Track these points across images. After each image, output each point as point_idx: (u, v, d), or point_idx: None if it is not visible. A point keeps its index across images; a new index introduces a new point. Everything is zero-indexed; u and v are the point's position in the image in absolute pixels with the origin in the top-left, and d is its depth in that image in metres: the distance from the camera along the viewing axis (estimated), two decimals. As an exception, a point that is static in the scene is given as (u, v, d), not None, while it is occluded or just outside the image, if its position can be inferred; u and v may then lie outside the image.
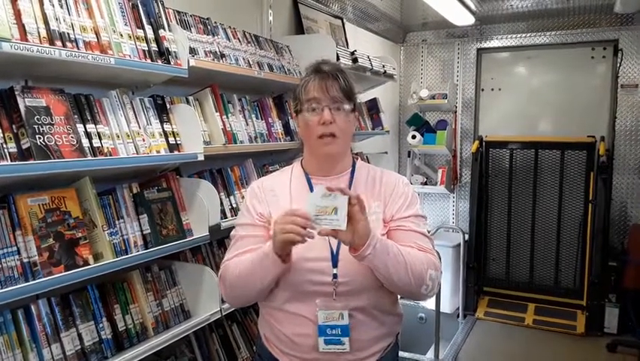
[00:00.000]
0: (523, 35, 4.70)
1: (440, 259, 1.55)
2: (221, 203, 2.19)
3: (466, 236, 4.58)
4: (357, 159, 1.57)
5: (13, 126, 1.46)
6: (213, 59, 2.18)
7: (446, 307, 4.40)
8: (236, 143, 2.29)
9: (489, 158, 4.76)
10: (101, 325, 1.69)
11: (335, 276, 1.37)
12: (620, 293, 4.05)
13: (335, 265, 1.37)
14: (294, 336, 1.41)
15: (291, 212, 1.29)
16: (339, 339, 1.37)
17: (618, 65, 4.33)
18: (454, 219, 5.12)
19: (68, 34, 1.56)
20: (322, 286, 1.37)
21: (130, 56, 1.75)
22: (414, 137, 4.73)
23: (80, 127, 1.62)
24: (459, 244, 4.51)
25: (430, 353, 3.80)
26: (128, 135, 1.79)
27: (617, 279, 4.05)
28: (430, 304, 4.24)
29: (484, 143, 4.68)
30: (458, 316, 4.49)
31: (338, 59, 2.89)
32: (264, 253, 1.34)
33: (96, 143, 1.66)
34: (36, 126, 1.47)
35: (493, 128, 4.93)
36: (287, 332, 1.42)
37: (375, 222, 1.40)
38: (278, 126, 2.65)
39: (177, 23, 2.03)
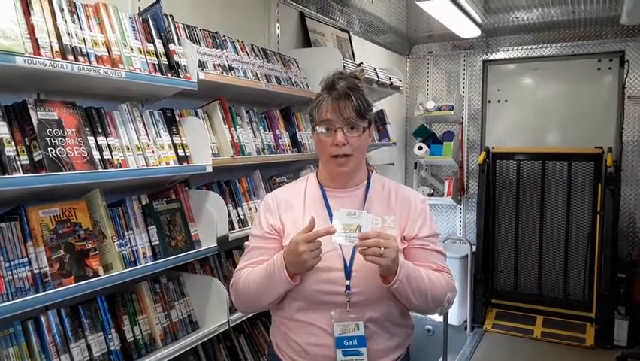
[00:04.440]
0: (530, 47, 4.72)
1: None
2: (229, 214, 2.20)
3: (474, 248, 4.56)
4: (372, 171, 1.58)
5: (26, 139, 1.48)
6: (222, 72, 2.21)
7: (454, 319, 4.37)
8: (244, 155, 2.31)
9: (496, 169, 4.75)
10: (109, 336, 1.70)
11: (348, 287, 1.38)
12: (630, 305, 4.00)
13: (348, 277, 1.38)
14: (308, 346, 1.42)
15: (314, 235, 1.30)
16: (357, 350, 1.38)
17: (625, 76, 4.33)
18: (461, 231, 5.10)
19: (80, 48, 1.59)
20: (335, 296, 1.38)
21: (140, 69, 1.78)
22: (420, 148, 4.74)
23: (91, 139, 1.64)
24: (466, 256, 4.49)
25: (438, 366, 3.77)
26: (138, 147, 1.81)
27: (627, 291, 4.02)
28: (437, 316, 4.22)
29: (490, 154, 4.67)
30: (466, 328, 4.46)
31: (344, 71, 2.91)
32: (277, 268, 1.36)
33: (107, 155, 1.68)
34: (48, 139, 1.49)
35: (500, 139, 4.93)
36: (300, 341, 1.43)
37: None
38: (285, 138, 2.67)
39: (187, 37, 2.06)
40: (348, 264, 1.39)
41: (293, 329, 1.45)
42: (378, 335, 1.42)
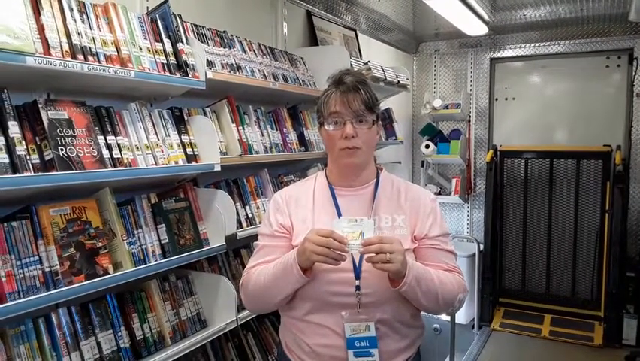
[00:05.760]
0: (537, 45, 4.69)
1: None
2: (237, 213, 2.21)
3: (481, 246, 4.55)
4: (381, 169, 1.57)
5: (37, 138, 1.49)
6: (230, 71, 2.21)
7: (461, 318, 4.37)
8: (251, 153, 2.32)
9: (503, 167, 4.74)
10: (119, 334, 1.71)
11: (358, 288, 1.37)
12: (639, 304, 3.98)
13: (358, 277, 1.38)
14: (317, 347, 1.42)
15: (327, 233, 1.29)
16: (369, 351, 1.37)
17: (634, 73, 4.30)
18: (469, 229, 5.09)
19: (90, 48, 1.60)
20: (345, 297, 1.38)
21: (149, 69, 1.79)
22: (427, 146, 4.73)
23: (101, 139, 1.65)
24: (474, 254, 4.48)
25: (446, 365, 3.77)
26: (147, 146, 1.82)
27: (636, 290, 3.99)
28: (444, 315, 4.22)
29: (498, 152, 4.66)
30: (473, 327, 4.45)
31: (351, 68, 2.91)
32: (289, 264, 1.35)
33: (116, 154, 1.69)
34: (58, 138, 1.51)
35: (508, 137, 4.91)
36: (310, 342, 1.43)
37: (401, 238, 1.39)
38: (293, 137, 2.67)
39: (195, 37, 2.07)
40: (357, 264, 1.39)
41: (303, 329, 1.45)
42: (389, 336, 1.42)
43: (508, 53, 4.83)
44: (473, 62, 4.96)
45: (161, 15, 1.93)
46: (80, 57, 1.56)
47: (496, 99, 4.98)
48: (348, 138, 1.41)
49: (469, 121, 4.97)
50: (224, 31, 2.34)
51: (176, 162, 1.91)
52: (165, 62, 1.87)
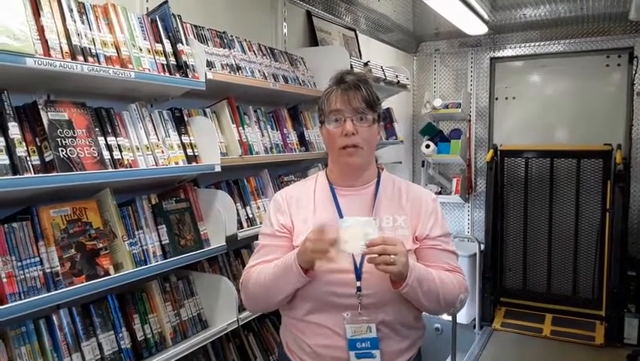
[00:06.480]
0: (537, 44, 4.69)
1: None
2: (238, 213, 2.21)
3: (482, 246, 4.54)
4: (382, 169, 1.57)
5: (37, 139, 1.49)
6: (230, 72, 2.21)
7: (462, 318, 4.36)
8: (252, 154, 2.32)
9: (504, 167, 4.73)
10: (120, 335, 1.71)
11: (359, 289, 1.37)
12: (640, 303, 3.98)
13: (359, 278, 1.37)
14: (318, 347, 1.41)
15: (322, 231, 1.29)
16: (370, 352, 1.37)
17: (634, 72, 4.30)
18: (469, 229, 5.09)
19: (90, 49, 1.60)
20: (347, 298, 1.37)
21: (149, 69, 1.79)
22: (428, 146, 4.72)
23: (101, 140, 1.66)
24: (474, 254, 4.47)
25: (447, 365, 3.77)
26: (148, 147, 1.82)
27: (637, 289, 3.99)
28: (446, 315, 4.21)
29: (498, 152, 4.65)
30: (474, 327, 4.44)
31: (351, 69, 2.91)
32: (289, 264, 1.35)
33: (117, 155, 1.69)
34: (59, 139, 1.51)
35: (508, 137, 4.91)
36: (310, 342, 1.42)
37: (403, 238, 1.39)
38: (293, 137, 2.67)
39: (195, 37, 2.07)
40: (358, 265, 1.38)
41: (303, 330, 1.44)
42: (390, 337, 1.41)
43: (508, 52, 4.83)
44: (473, 62, 4.96)
45: (161, 16, 1.93)
46: (80, 58, 1.56)
47: (497, 99, 4.98)
48: (348, 136, 1.40)
49: (470, 120, 4.97)
50: (224, 32, 2.34)
51: (177, 163, 1.91)
52: (165, 62, 1.87)
